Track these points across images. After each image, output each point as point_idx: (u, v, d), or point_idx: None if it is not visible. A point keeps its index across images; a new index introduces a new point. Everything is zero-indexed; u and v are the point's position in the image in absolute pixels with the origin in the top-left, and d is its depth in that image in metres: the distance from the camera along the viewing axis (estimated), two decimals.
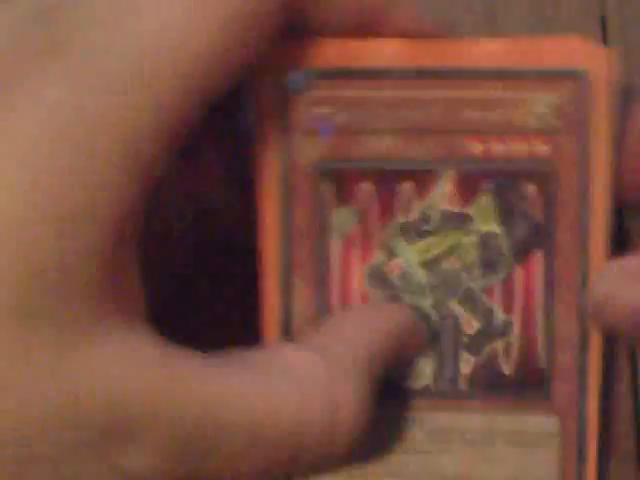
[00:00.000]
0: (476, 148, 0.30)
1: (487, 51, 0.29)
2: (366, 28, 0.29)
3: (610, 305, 0.29)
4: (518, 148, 0.30)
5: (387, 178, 0.30)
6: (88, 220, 0.24)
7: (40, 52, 0.24)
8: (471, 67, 0.29)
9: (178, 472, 0.25)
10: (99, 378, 0.24)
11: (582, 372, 0.30)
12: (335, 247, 0.30)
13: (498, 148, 0.30)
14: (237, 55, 0.25)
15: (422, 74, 0.30)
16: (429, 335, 0.31)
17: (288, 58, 0.29)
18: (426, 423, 0.31)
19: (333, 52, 0.29)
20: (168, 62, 0.24)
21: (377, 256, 0.30)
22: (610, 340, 0.31)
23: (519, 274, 0.30)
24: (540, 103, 0.30)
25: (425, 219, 0.30)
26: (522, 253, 0.30)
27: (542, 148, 0.30)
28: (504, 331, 0.30)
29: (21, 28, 0.24)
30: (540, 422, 0.31)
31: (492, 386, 0.31)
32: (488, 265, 0.30)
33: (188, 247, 0.31)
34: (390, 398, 0.31)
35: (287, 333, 0.30)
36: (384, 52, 0.30)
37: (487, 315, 0.30)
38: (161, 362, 0.25)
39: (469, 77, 0.29)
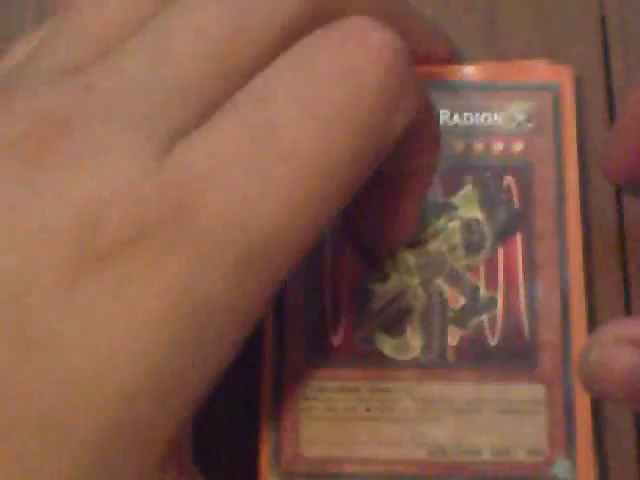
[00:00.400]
0: (458, 146, 0.33)
1: (474, 69, 0.34)
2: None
3: (602, 373, 0.30)
4: (497, 147, 0.33)
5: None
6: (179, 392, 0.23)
7: (165, 221, 0.22)
8: (459, 81, 0.34)
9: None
10: None
11: (566, 342, 0.31)
12: (328, 232, 0.33)
13: (478, 147, 0.33)
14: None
15: None
16: (417, 310, 0.32)
17: None
18: (416, 393, 0.31)
19: None
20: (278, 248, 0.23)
21: None
22: (591, 314, 0.32)
23: (501, 255, 0.32)
24: (517, 110, 0.34)
25: None
26: (503, 236, 0.32)
27: (518, 146, 0.33)
28: (489, 306, 0.32)
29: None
30: (527, 390, 0.31)
31: (479, 357, 0.31)
32: (471, 247, 0.32)
33: None
34: (380, 369, 0.31)
35: (280, 306, 0.32)
36: None
37: (472, 291, 0.32)
38: None
39: (453, 89, 0.34)
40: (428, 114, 0.27)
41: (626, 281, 0.33)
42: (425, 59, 0.34)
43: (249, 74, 0.25)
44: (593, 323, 0.32)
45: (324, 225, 0.24)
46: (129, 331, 0.22)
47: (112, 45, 0.25)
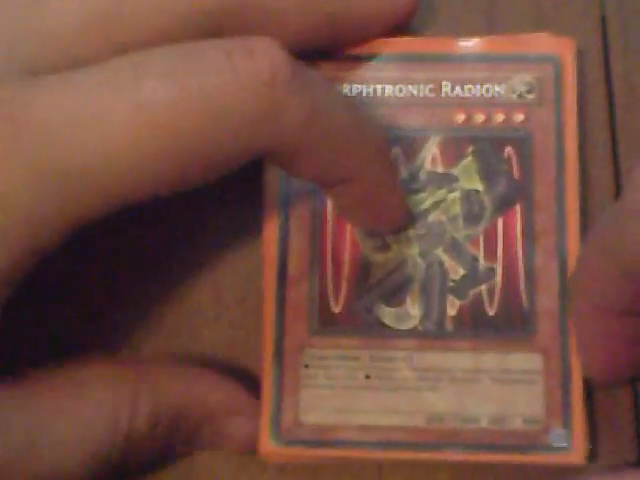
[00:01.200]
0: (460, 117, 0.34)
1: (475, 42, 0.34)
2: None
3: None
4: (497, 117, 0.33)
5: None
6: None
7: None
8: (460, 53, 0.34)
9: None
10: None
11: (564, 312, 0.32)
12: (330, 203, 0.33)
13: (479, 118, 0.33)
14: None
15: (413, 59, 0.34)
16: (417, 280, 0.32)
17: None
18: (415, 362, 0.32)
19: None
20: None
21: None
22: None
23: (500, 225, 0.33)
24: (518, 81, 0.34)
25: (413, 178, 0.33)
26: (503, 207, 0.33)
27: (518, 117, 0.33)
28: (488, 276, 0.32)
29: None
30: (524, 359, 0.31)
31: (477, 326, 0.32)
32: (471, 217, 0.33)
33: None
34: (380, 338, 0.32)
35: (282, 275, 0.33)
36: (377, 43, 0.34)
37: (471, 262, 0.32)
38: None
39: (456, 61, 0.34)
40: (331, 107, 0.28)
41: None
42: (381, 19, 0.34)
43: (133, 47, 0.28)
44: None
45: (161, 180, 0.26)
46: None
47: None
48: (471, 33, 0.34)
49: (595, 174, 0.34)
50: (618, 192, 0.34)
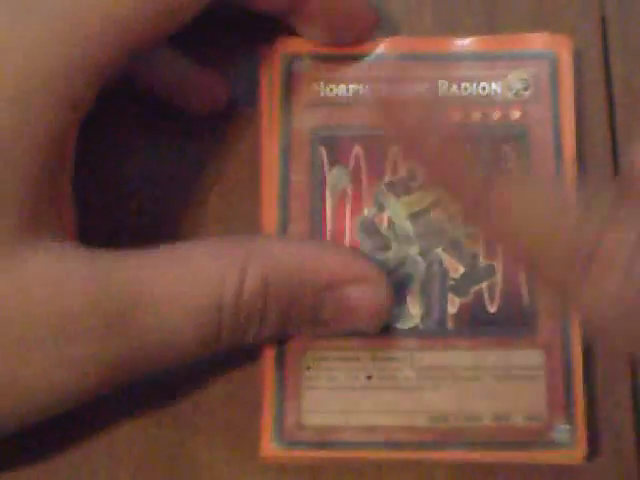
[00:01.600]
0: (456, 115, 0.34)
1: (472, 41, 0.34)
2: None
3: None
4: (494, 115, 0.33)
5: (376, 143, 0.33)
6: (17, 139, 0.27)
7: None
8: (457, 52, 0.34)
9: (112, 352, 0.28)
10: (20, 297, 0.27)
11: (564, 308, 0.32)
12: (329, 202, 0.33)
13: (476, 116, 0.33)
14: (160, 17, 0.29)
15: (410, 58, 0.34)
16: (417, 279, 0.32)
17: (293, 46, 0.34)
18: (416, 361, 0.32)
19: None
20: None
21: (368, 210, 0.33)
22: None
23: None
24: (514, 79, 0.34)
25: (412, 177, 0.33)
26: None
27: (515, 114, 0.33)
28: (488, 273, 0.32)
29: None
30: (526, 356, 0.31)
31: (478, 324, 0.32)
32: None
33: None
34: (381, 338, 0.32)
35: None
36: (373, 43, 0.34)
37: (471, 260, 0.32)
38: (90, 260, 0.28)
39: (452, 60, 0.34)
40: None
41: None
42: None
43: None
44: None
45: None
46: None
47: None
48: (471, 33, 0.35)
49: (595, 173, 0.34)
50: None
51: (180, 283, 0.28)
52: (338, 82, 0.34)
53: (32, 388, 0.28)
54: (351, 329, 0.30)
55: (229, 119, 0.35)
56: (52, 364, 0.27)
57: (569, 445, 0.31)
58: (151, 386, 0.32)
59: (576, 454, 0.31)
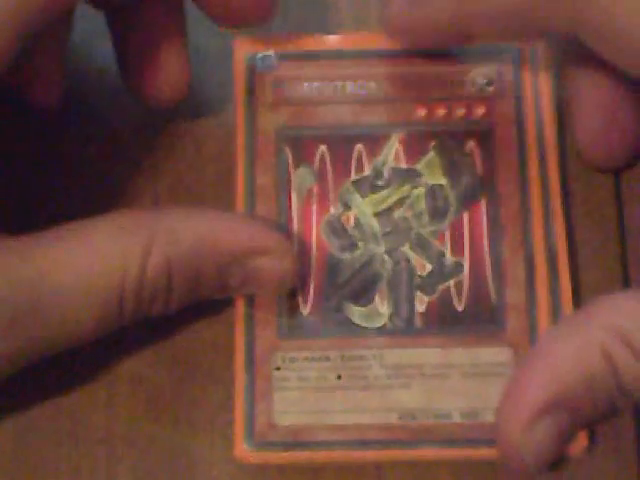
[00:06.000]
0: (421, 112, 0.34)
1: None
2: None
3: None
4: (458, 111, 0.33)
5: (341, 142, 0.33)
6: None
7: None
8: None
9: (16, 346, 0.28)
10: None
11: (532, 304, 0.32)
12: (295, 202, 0.33)
13: (440, 112, 0.34)
14: None
15: (373, 55, 0.34)
16: (384, 278, 0.32)
17: (258, 45, 0.34)
18: (386, 360, 0.32)
19: (295, 40, 0.34)
20: None
21: (334, 209, 0.33)
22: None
23: (466, 219, 0.33)
24: (478, 74, 0.34)
25: (377, 175, 0.33)
26: (467, 201, 0.33)
27: (479, 111, 0.33)
28: (455, 271, 0.32)
29: None
30: (494, 353, 0.32)
31: (446, 322, 0.32)
32: (436, 213, 0.33)
33: None
34: (350, 337, 0.32)
35: None
36: (337, 40, 0.34)
37: (438, 257, 0.32)
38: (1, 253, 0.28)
39: (414, 56, 0.34)
40: None
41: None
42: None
43: None
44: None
45: None
46: None
47: None
48: None
49: (595, 173, 0.34)
50: (618, 191, 0.34)
51: (82, 271, 0.28)
52: (303, 80, 0.34)
53: None
54: (259, 294, 0.32)
55: (201, 119, 0.35)
56: None
57: None
58: (151, 386, 0.33)
59: None
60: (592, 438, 0.31)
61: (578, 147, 0.34)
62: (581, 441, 0.31)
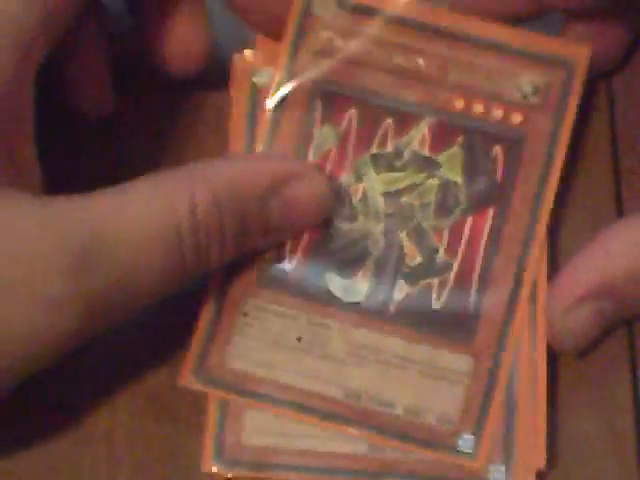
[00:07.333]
0: (458, 103, 0.33)
1: (494, 26, 0.33)
2: None
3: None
4: (495, 113, 0.33)
5: (373, 111, 0.33)
6: None
7: None
8: (474, 34, 0.33)
9: (87, 287, 0.28)
10: None
11: (506, 322, 0.32)
12: (311, 159, 0.33)
13: (478, 109, 0.33)
14: None
15: (427, 29, 0.33)
16: (373, 257, 0.32)
17: None
18: (349, 336, 0.32)
19: None
20: None
21: (346, 176, 0.33)
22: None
23: (469, 224, 0.32)
24: (526, 81, 0.33)
25: (398, 155, 0.33)
26: (476, 205, 0.32)
27: (516, 118, 0.33)
28: (443, 270, 0.32)
29: None
30: (455, 359, 0.32)
31: (419, 316, 0.32)
32: (443, 209, 0.33)
33: None
34: (322, 305, 0.32)
35: None
36: (403, 5, 0.33)
37: (431, 252, 0.32)
38: (42, 206, 0.28)
39: (470, 42, 0.33)
40: None
41: None
42: None
43: None
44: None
45: None
46: None
47: None
48: None
49: (595, 174, 0.34)
50: (618, 192, 0.34)
51: (136, 215, 0.29)
52: (351, 36, 0.33)
53: (15, 334, 0.28)
54: (300, 228, 0.32)
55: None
56: (28, 305, 0.27)
57: (471, 455, 0.31)
58: (151, 386, 0.33)
59: (475, 465, 0.31)
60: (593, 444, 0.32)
61: None
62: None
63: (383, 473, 0.31)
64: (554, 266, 0.32)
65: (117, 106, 0.35)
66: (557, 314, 0.31)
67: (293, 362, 0.32)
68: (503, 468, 0.31)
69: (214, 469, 0.31)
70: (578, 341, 0.31)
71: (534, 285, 0.32)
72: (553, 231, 0.33)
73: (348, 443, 0.31)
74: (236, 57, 0.34)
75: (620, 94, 0.35)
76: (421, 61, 0.33)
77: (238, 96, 0.34)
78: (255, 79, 0.34)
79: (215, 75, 0.35)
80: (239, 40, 0.35)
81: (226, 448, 0.31)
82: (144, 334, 0.33)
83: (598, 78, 0.34)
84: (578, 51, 0.33)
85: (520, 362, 0.31)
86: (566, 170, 0.33)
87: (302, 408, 0.32)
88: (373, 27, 0.33)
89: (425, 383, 0.31)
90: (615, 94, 0.35)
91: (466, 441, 0.31)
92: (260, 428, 0.31)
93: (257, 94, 0.34)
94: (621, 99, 0.35)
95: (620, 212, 0.34)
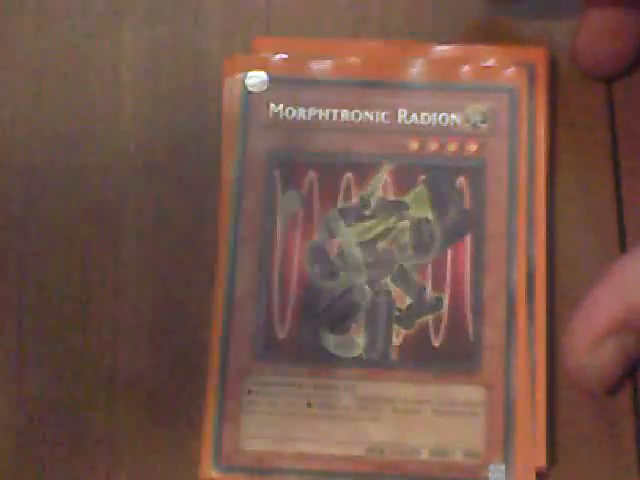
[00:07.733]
0: (413, 145, 0.33)
1: (435, 63, 0.34)
2: None
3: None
4: (451, 146, 0.33)
5: (331, 169, 0.33)
6: None
7: None
8: (414, 81, 0.34)
9: None
10: None
11: (509, 346, 0.31)
12: (280, 226, 0.33)
13: (433, 146, 0.33)
14: None
15: (370, 85, 0.34)
16: (363, 308, 0.32)
17: (249, 64, 0.34)
18: (358, 391, 0.31)
19: (288, 61, 0.34)
20: None
21: (318, 236, 0.33)
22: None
23: (450, 255, 0.32)
24: (472, 111, 0.34)
25: (364, 205, 0.33)
26: (453, 237, 0.33)
27: (472, 147, 0.33)
28: (434, 306, 0.32)
29: None
30: (467, 392, 0.31)
31: (422, 357, 0.32)
32: (420, 247, 0.33)
33: None
34: (324, 366, 0.32)
35: (230, 301, 0.32)
36: (334, 66, 0.34)
37: (419, 291, 0.32)
38: None
39: (412, 88, 0.34)
40: None
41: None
42: None
43: None
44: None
45: None
46: None
47: None
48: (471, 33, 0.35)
49: (595, 174, 0.34)
50: (618, 193, 0.34)
51: None
52: (298, 105, 0.34)
53: None
54: None
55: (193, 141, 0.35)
56: None
57: None
58: (151, 386, 0.32)
59: None
60: (593, 445, 0.31)
61: (575, 50, 0.34)
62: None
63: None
64: (553, 265, 0.33)
65: None
66: (581, 354, 0.29)
67: (308, 429, 0.31)
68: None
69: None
70: (604, 380, 0.30)
71: (532, 290, 0.32)
72: (553, 231, 0.33)
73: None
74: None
75: (620, 95, 0.35)
76: (368, 114, 0.34)
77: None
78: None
79: (207, 77, 0.35)
80: (233, 42, 0.36)
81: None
82: (144, 334, 0.33)
83: (598, 80, 0.35)
84: (536, 53, 0.34)
85: (519, 362, 0.31)
86: (566, 171, 0.33)
87: (330, 475, 0.31)
88: (314, 92, 0.34)
89: (442, 422, 0.31)
90: (615, 95, 0.35)
91: (497, 470, 0.30)
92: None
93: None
94: (621, 100, 0.35)
95: (620, 212, 0.34)
